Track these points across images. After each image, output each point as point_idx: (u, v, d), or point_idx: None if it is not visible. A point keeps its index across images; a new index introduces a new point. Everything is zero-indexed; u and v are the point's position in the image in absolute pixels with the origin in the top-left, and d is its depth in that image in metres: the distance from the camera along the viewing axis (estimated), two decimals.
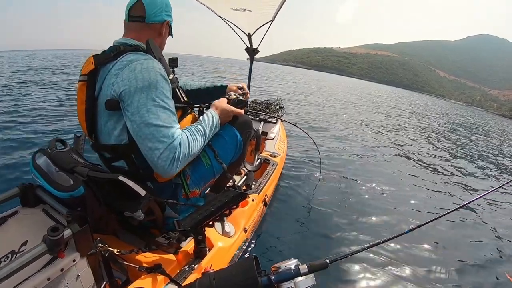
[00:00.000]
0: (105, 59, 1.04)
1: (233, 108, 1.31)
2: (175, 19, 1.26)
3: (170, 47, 1.44)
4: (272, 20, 2.84)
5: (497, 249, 2.58)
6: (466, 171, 5.32)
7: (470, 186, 4.42)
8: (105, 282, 0.95)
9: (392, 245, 2.25)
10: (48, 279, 0.76)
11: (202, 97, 1.64)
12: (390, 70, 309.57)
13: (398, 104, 20.70)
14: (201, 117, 1.19)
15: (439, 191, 3.84)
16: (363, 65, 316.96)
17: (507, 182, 1.51)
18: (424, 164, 5.09)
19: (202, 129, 1.12)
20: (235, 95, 1.42)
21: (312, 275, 0.80)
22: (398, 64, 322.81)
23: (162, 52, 1.23)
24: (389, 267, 2.02)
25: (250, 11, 2.66)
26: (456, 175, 4.87)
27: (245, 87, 1.65)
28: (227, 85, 1.66)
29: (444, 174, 4.77)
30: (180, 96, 1.16)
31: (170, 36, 1.29)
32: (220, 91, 1.64)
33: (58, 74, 11.40)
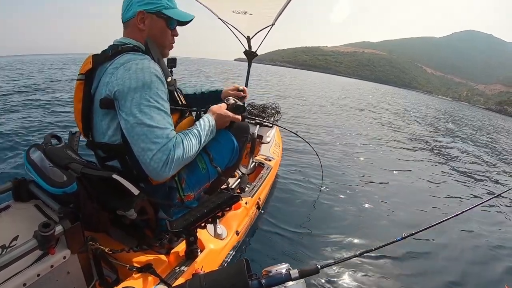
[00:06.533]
0: (103, 58, 1.04)
1: (231, 114, 1.27)
2: None
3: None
4: (273, 24, 2.86)
5: (495, 259, 2.52)
6: (464, 178, 5.15)
7: (467, 194, 4.25)
8: (95, 280, 0.95)
9: (384, 252, 2.22)
10: (38, 275, 0.76)
11: (197, 102, 1.58)
12: (378, 68, 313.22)
13: (392, 104, 20.69)
14: (197, 122, 1.16)
15: (437, 198, 3.76)
16: (350, 63, 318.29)
17: (506, 191, 1.49)
18: (423, 171, 4.99)
19: (197, 133, 1.10)
20: (234, 100, 1.38)
21: (302, 280, 0.80)
22: (385, 61, 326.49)
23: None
24: (381, 274, 2.01)
25: (251, 14, 2.67)
26: (455, 182, 4.77)
27: (246, 90, 1.57)
28: (222, 90, 1.59)
29: (444, 181, 4.68)
30: (178, 99, 1.15)
31: (169, 27, 1.15)
32: (215, 96, 1.59)
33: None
